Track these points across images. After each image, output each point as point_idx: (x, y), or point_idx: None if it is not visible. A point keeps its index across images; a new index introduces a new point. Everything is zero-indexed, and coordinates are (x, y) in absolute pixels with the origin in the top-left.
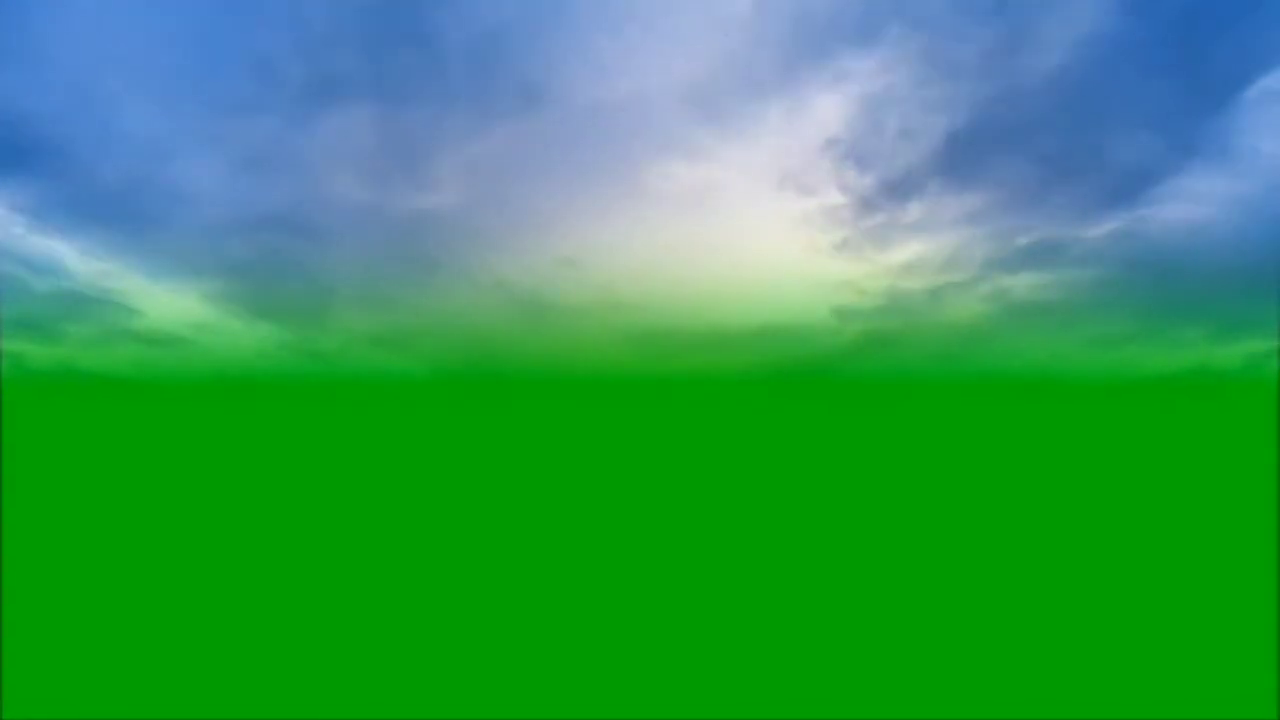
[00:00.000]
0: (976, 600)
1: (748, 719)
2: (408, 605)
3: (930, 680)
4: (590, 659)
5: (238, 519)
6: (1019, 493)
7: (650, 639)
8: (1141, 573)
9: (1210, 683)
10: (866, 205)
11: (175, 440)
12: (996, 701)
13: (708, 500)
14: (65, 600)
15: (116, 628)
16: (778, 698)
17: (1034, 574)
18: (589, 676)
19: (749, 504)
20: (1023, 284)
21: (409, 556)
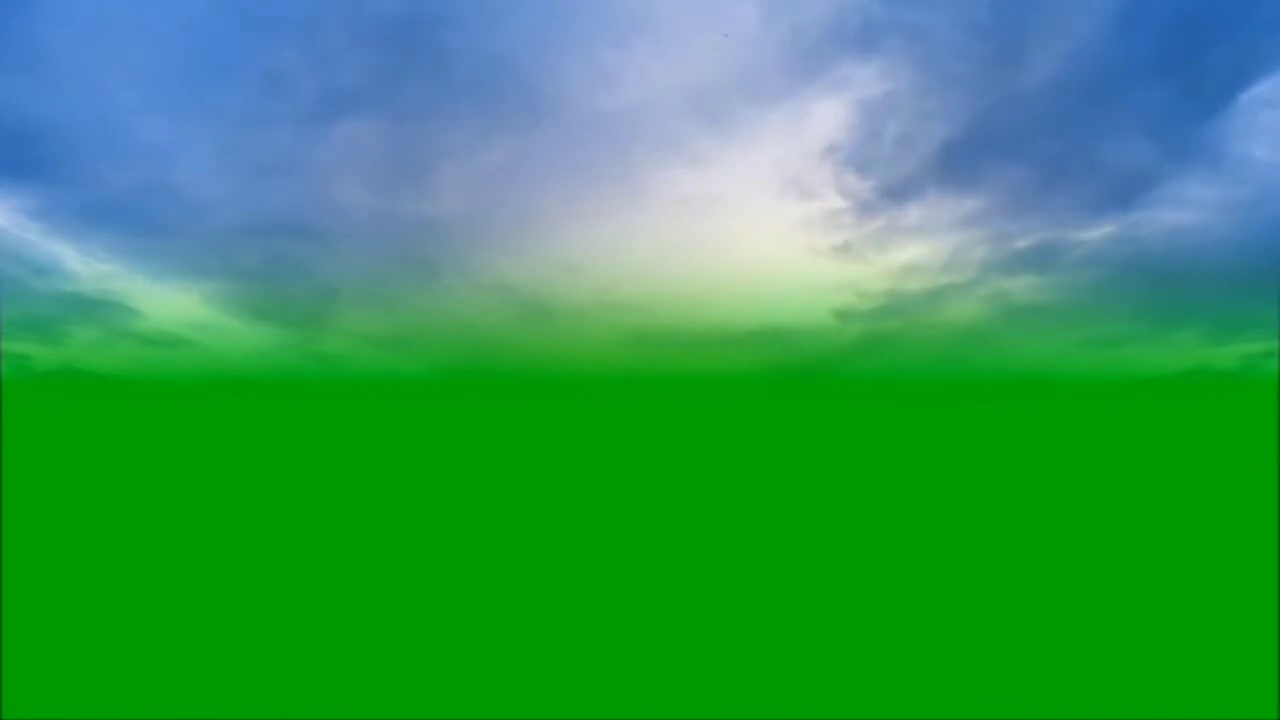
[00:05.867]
0: (976, 600)
1: (747, 719)
2: (408, 605)
3: (930, 680)
4: (590, 658)
5: (240, 519)
6: (1018, 492)
7: (651, 638)
8: (1141, 573)
9: (1210, 683)
10: (866, 209)
11: (181, 441)
12: (997, 701)
13: (707, 500)
14: (66, 600)
15: (117, 628)
16: (778, 697)
17: (1033, 573)
18: (589, 676)
19: (749, 504)
20: (1020, 286)
21: (410, 556)
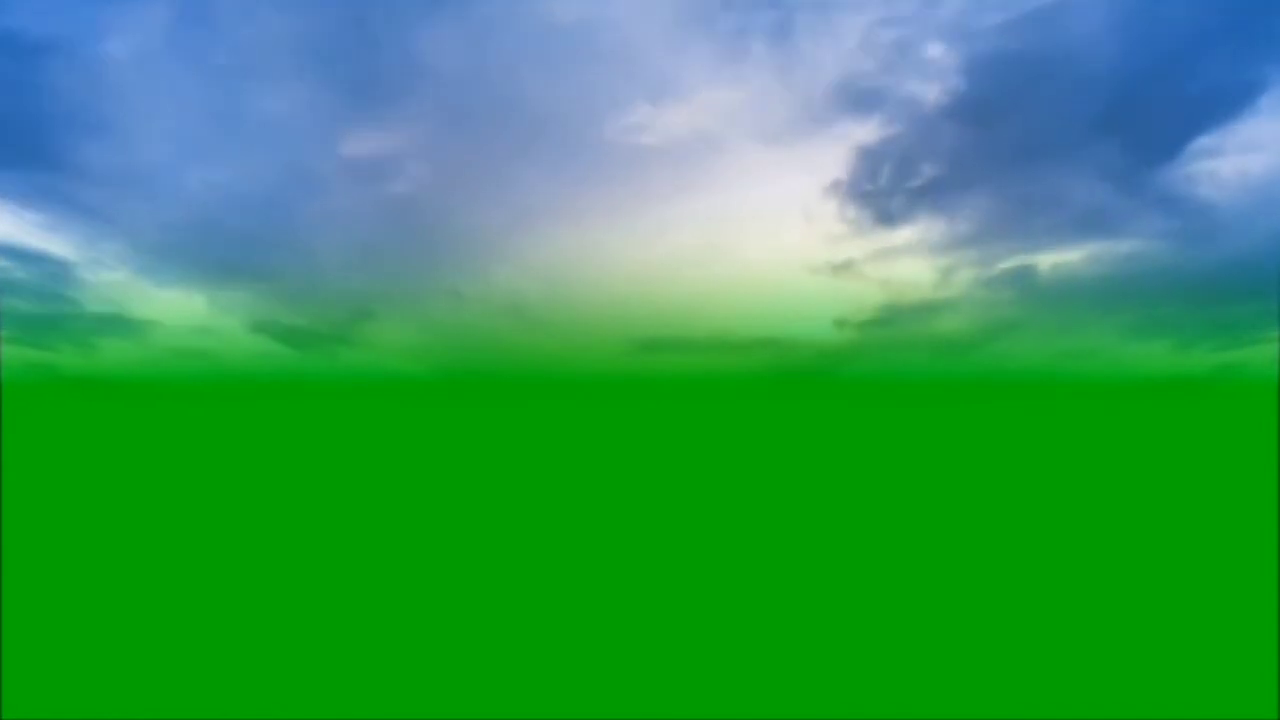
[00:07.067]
0: (982, 606)
1: (747, 719)
2: (406, 607)
3: (931, 683)
4: (590, 660)
5: (229, 519)
6: (1028, 496)
7: (651, 640)
8: (1152, 583)
9: (1211, 683)
10: (870, 160)
11: (133, 435)
12: (999, 703)
13: (706, 501)
14: (65, 602)
15: (116, 628)
16: (777, 699)
17: (1041, 580)
18: (588, 677)
19: (749, 504)
20: (1047, 262)
21: (404, 557)
